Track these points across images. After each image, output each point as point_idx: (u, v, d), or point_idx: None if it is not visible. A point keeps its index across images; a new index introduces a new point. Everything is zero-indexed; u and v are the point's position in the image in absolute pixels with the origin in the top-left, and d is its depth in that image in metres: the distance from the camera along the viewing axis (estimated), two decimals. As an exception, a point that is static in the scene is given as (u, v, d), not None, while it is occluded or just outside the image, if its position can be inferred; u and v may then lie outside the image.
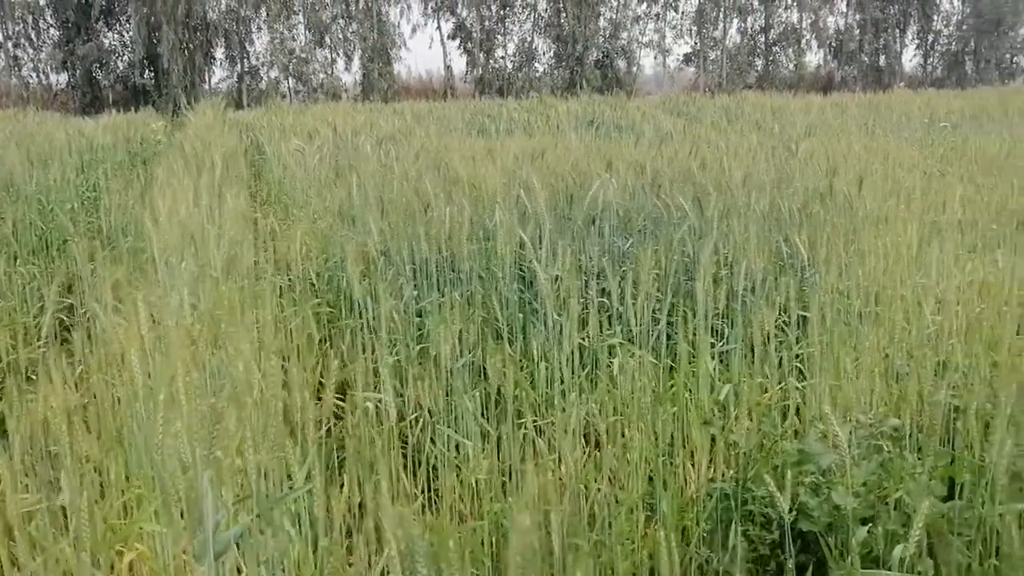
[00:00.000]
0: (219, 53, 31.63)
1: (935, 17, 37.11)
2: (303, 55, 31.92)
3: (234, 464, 1.70)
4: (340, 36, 32.46)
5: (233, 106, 24.96)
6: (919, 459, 2.30)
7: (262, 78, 32.03)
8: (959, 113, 14.26)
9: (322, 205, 5.79)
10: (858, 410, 2.61)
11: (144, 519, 2.05)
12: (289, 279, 4.30)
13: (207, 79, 31.47)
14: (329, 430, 3.22)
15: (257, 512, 1.54)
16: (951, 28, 37.50)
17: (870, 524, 2.10)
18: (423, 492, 2.93)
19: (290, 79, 32.04)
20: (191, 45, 30.01)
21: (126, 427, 2.31)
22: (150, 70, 30.04)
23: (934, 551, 2.05)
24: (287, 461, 1.70)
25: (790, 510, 2.24)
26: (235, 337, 2.12)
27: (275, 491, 1.73)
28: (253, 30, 31.86)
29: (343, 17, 32.35)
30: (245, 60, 31.93)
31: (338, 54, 32.58)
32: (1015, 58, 37.66)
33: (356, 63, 32.55)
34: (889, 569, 1.98)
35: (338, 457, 2.83)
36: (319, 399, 3.59)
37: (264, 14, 31.30)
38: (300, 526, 1.87)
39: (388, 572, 2.23)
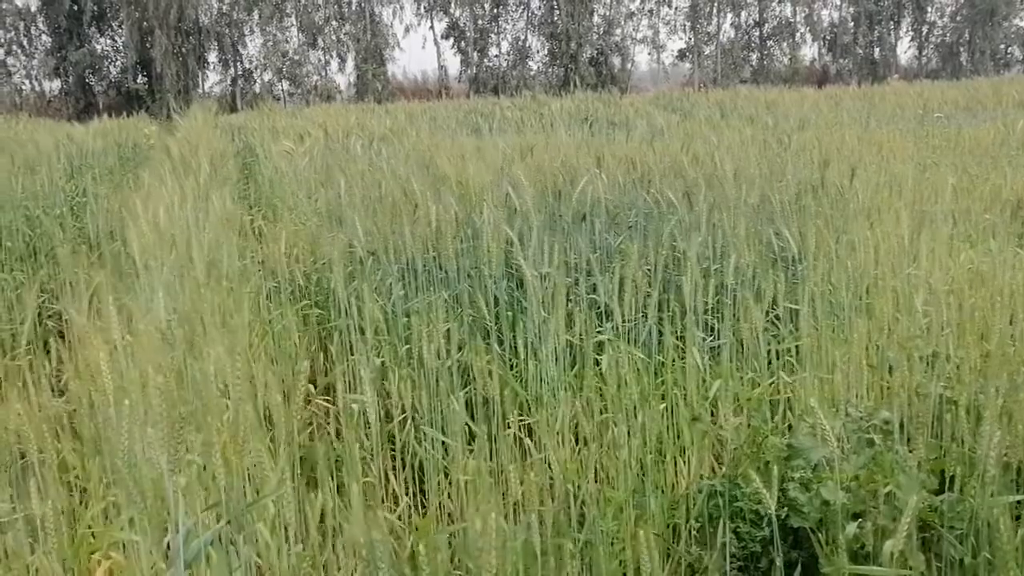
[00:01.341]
0: (212, 57, 31.63)
1: (929, 8, 37.08)
2: (296, 57, 31.88)
3: (207, 469, 1.67)
4: (333, 38, 32.42)
5: (227, 110, 24.95)
6: (910, 452, 2.26)
7: (255, 81, 32.00)
8: (953, 104, 14.23)
9: (311, 206, 5.75)
10: (848, 403, 2.57)
11: (118, 527, 2.01)
12: (277, 281, 4.26)
13: (201, 83, 31.45)
14: (313, 433, 3.19)
15: (229, 519, 1.50)
16: (945, 19, 37.48)
17: (860, 519, 2.07)
18: (410, 493, 2.89)
19: (283, 81, 32.00)
20: (184, 49, 29.96)
21: (102, 433, 2.27)
22: (143, 75, 30.02)
23: (926, 545, 2.02)
24: (262, 466, 1.66)
25: (781, 506, 2.21)
26: (212, 341, 2.08)
27: (251, 496, 1.69)
28: (246, 33, 31.84)
29: (336, 18, 32.30)
30: (238, 63, 31.90)
31: (331, 56, 32.55)
32: (1009, 48, 37.63)
33: (350, 64, 32.53)
34: (880, 564, 1.94)
35: (325, 459, 2.79)
36: (308, 401, 3.57)
37: (257, 17, 31.25)
38: (276, 530, 1.83)
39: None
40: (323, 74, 32.40)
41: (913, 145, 7.94)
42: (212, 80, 32.08)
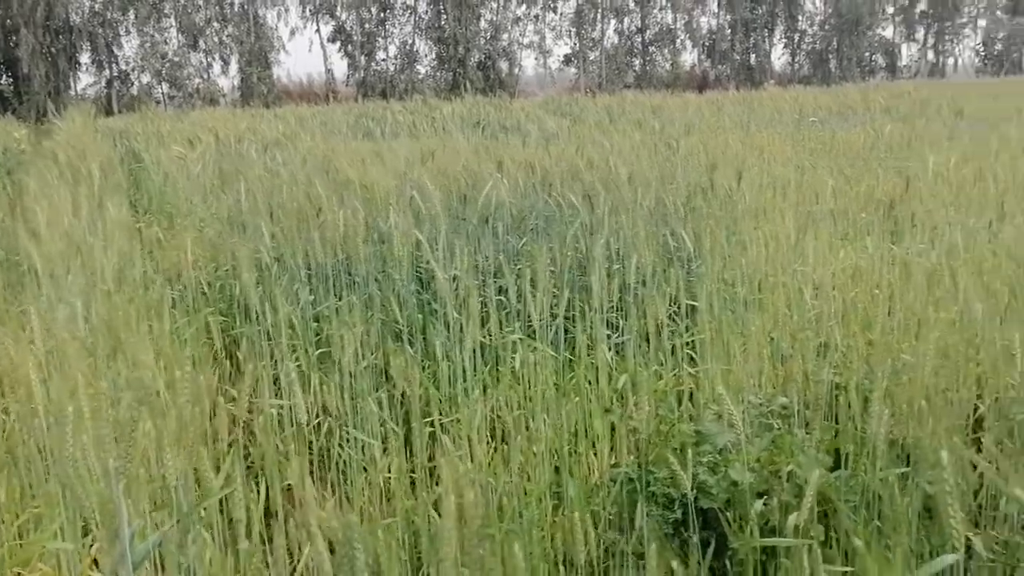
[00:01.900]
0: (85, 58, 30.36)
1: (800, 17, 38.89)
2: (176, 59, 30.94)
3: (147, 473, 1.69)
4: (215, 39, 31.62)
5: (103, 113, 23.99)
6: (807, 433, 2.44)
7: (133, 83, 30.90)
8: (826, 109, 15.00)
9: (208, 212, 5.67)
10: (749, 391, 2.75)
11: (47, 538, 1.99)
12: (179, 289, 4.20)
13: (73, 85, 30.16)
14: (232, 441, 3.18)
15: (177, 519, 1.53)
16: (815, 28, 39.37)
17: (765, 497, 2.23)
18: (333, 495, 2.93)
19: (163, 84, 31.01)
20: (53, 49, 28.70)
21: (21, 446, 2.23)
22: (8, 75, 28.59)
23: (826, 518, 2.19)
24: (201, 468, 1.69)
25: (690, 488, 2.36)
26: (136, 348, 2.09)
27: (190, 499, 1.71)
28: (121, 33, 30.70)
29: (218, 20, 31.52)
30: (114, 65, 30.74)
31: (214, 58, 31.74)
32: (874, 56, 39.80)
33: (233, 67, 31.78)
34: (785, 537, 2.10)
35: (245, 465, 2.80)
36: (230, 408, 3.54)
37: (133, 16, 30.18)
38: (214, 532, 1.86)
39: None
40: (205, 77, 31.56)
41: (792, 148, 8.37)
42: (85, 82, 30.84)
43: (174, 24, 31.03)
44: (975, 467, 2.46)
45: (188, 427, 1.76)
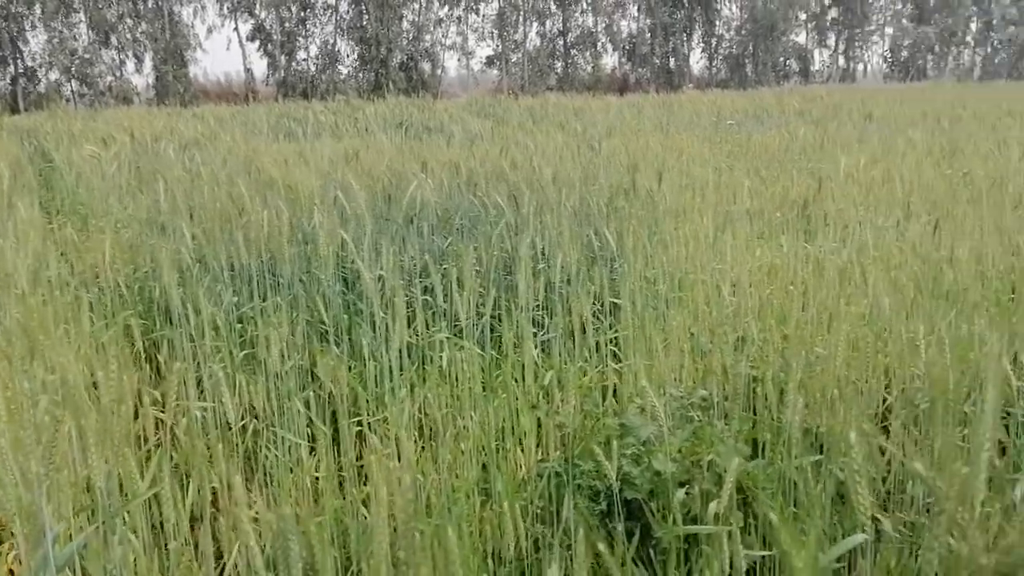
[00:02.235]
0: (-11, 53, 29.26)
1: (717, 22, 39.76)
2: (87, 56, 30.00)
3: (70, 476, 1.66)
4: (128, 36, 30.77)
5: (8, 111, 23.15)
6: (726, 424, 2.53)
7: (40, 80, 29.85)
8: (743, 112, 15.38)
9: (126, 213, 5.54)
10: (670, 385, 2.83)
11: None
12: (97, 291, 4.11)
13: (-26, 81, 29.04)
14: (157, 444, 3.13)
15: (102, 521, 1.51)
16: (732, 33, 40.29)
17: (687, 486, 2.30)
18: (261, 497, 2.91)
19: (73, 81, 30.03)
20: (-46, 44, 27.58)
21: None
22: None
23: (745, 505, 2.28)
24: (126, 470, 1.67)
25: (615, 480, 2.42)
26: (55, 350, 2.05)
27: (115, 501, 1.69)
28: (27, 28, 29.63)
29: (131, 16, 30.69)
30: (19, 61, 29.64)
31: (127, 55, 30.87)
32: (788, 61, 40.94)
33: (148, 65, 30.98)
34: (706, 525, 2.17)
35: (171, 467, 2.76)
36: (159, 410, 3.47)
37: (39, 11, 29.16)
38: (141, 534, 1.84)
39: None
40: (118, 75, 30.68)
41: (710, 150, 8.57)
42: (-12, 78, 29.70)
43: (84, 19, 30.08)
44: (883, 452, 2.58)
45: (112, 429, 1.74)
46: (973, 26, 44.99)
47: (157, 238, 4.60)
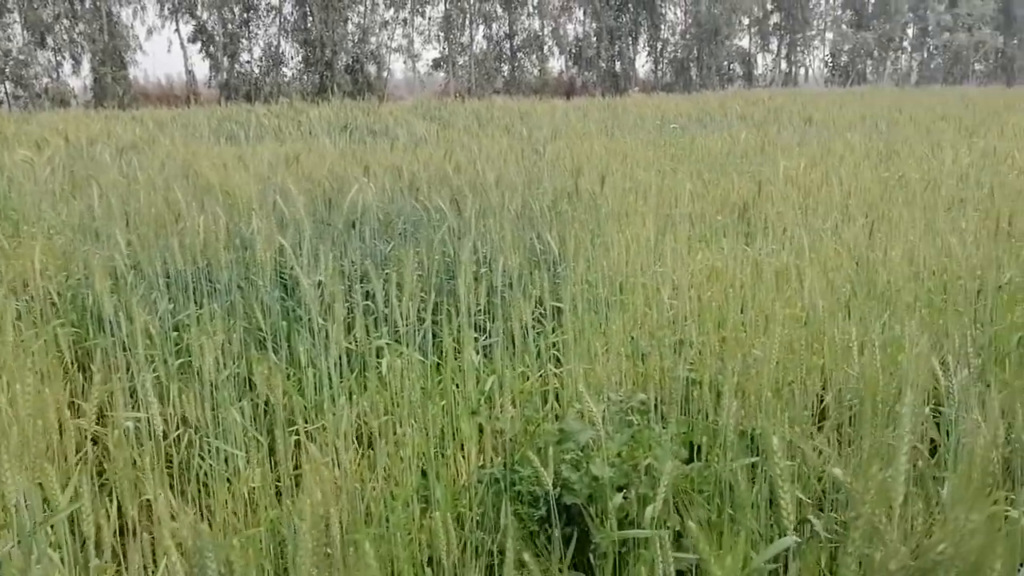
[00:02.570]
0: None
1: (662, 26, 40.16)
2: (21, 57, 29.23)
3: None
4: (65, 37, 30.06)
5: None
6: (664, 428, 2.54)
7: (-30, 82, 29.07)
8: (687, 115, 15.55)
9: (59, 219, 5.40)
10: (610, 389, 2.83)
11: None
12: (26, 299, 3.99)
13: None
14: (84, 456, 3.04)
15: (18, 539, 1.46)
16: (677, 37, 40.74)
17: (625, 490, 2.30)
18: (194, 509, 2.84)
19: (6, 83, 29.24)
20: None
21: None
22: None
23: (682, 508, 2.28)
24: (47, 485, 1.62)
25: (555, 485, 2.41)
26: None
27: (35, 518, 1.63)
28: (-42, 28, 28.83)
29: (67, 16, 29.99)
30: (-52, 61, 28.83)
31: (64, 56, 30.15)
32: (732, 64, 41.53)
33: (86, 67, 30.29)
34: (643, 529, 2.17)
35: (98, 482, 2.69)
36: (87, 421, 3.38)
37: (-29, 11, 28.40)
38: (64, 551, 1.78)
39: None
40: (55, 76, 29.95)
41: (654, 153, 8.64)
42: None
43: (18, 19, 29.31)
44: (819, 452, 2.61)
45: (31, 443, 1.68)
46: (910, 32, 46.19)
47: (91, 244, 4.49)
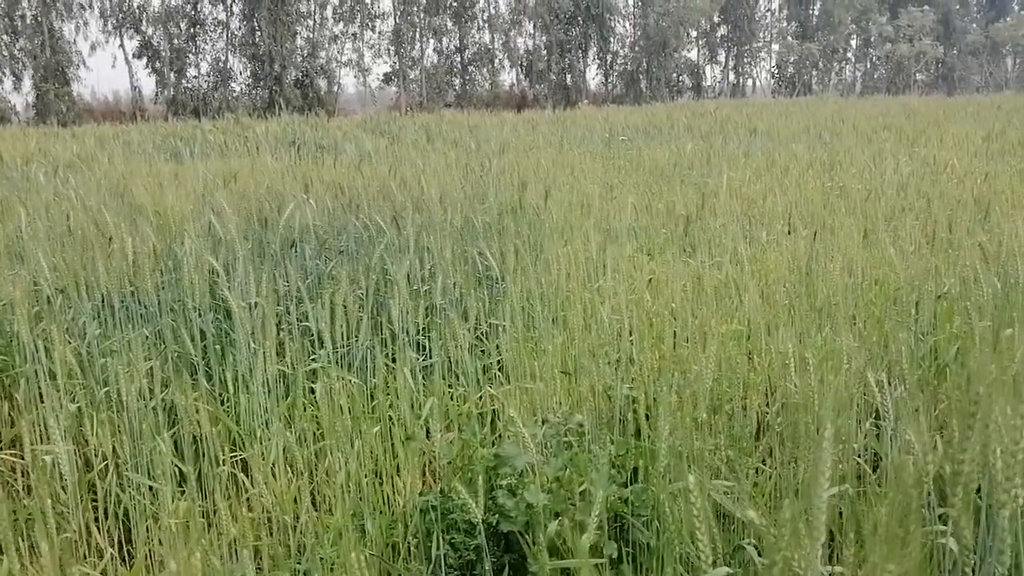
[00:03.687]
0: None
1: (612, 39, 40.47)
2: (-41, 73, 28.58)
3: None
4: (5, 53, 29.42)
5: None
6: (601, 449, 2.48)
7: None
8: (635, 127, 15.62)
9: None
10: (548, 410, 2.77)
11: None
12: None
13: None
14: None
15: None
16: (626, 49, 41.09)
17: (561, 517, 2.24)
18: (116, 544, 2.72)
19: (-56, 100, 28.56)
20: None
21: None
22: None
23: (621, 533, 2.23)
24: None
25: (492, 513, 2.34)
26: None
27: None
28: None
29: (7, 32, 29.36)
30: None
31: (4, 73, 29.50)
32: (681, 77, 41.98)
33: (27, 83, 29.67)
34: (580, 557, 2.11)
35: (14, 519, 2.55)
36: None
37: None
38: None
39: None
40: (-6, 93, 29.30)
41: (601, 166, 8.64)
42: None
43: (-43, 36, 28.67)
44: (759, 473, 2.57)
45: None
46: (853, 43, 47.14)
47: (15, 268, 4.33)
